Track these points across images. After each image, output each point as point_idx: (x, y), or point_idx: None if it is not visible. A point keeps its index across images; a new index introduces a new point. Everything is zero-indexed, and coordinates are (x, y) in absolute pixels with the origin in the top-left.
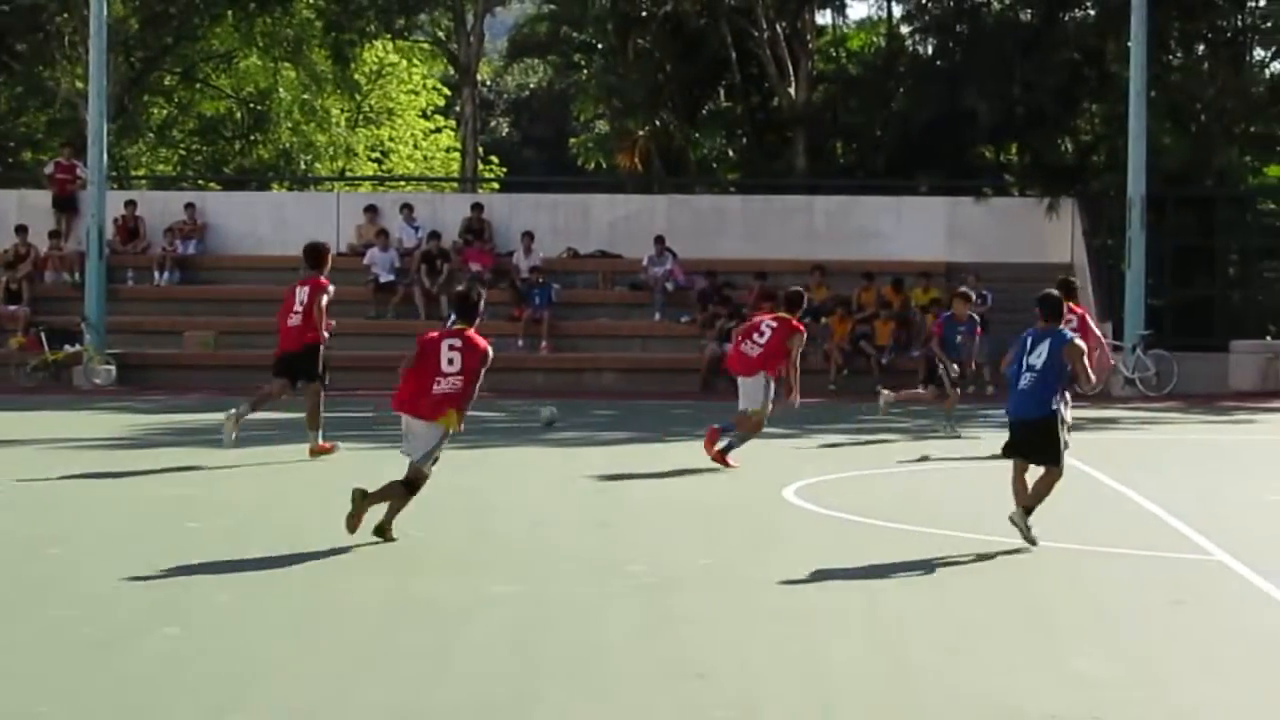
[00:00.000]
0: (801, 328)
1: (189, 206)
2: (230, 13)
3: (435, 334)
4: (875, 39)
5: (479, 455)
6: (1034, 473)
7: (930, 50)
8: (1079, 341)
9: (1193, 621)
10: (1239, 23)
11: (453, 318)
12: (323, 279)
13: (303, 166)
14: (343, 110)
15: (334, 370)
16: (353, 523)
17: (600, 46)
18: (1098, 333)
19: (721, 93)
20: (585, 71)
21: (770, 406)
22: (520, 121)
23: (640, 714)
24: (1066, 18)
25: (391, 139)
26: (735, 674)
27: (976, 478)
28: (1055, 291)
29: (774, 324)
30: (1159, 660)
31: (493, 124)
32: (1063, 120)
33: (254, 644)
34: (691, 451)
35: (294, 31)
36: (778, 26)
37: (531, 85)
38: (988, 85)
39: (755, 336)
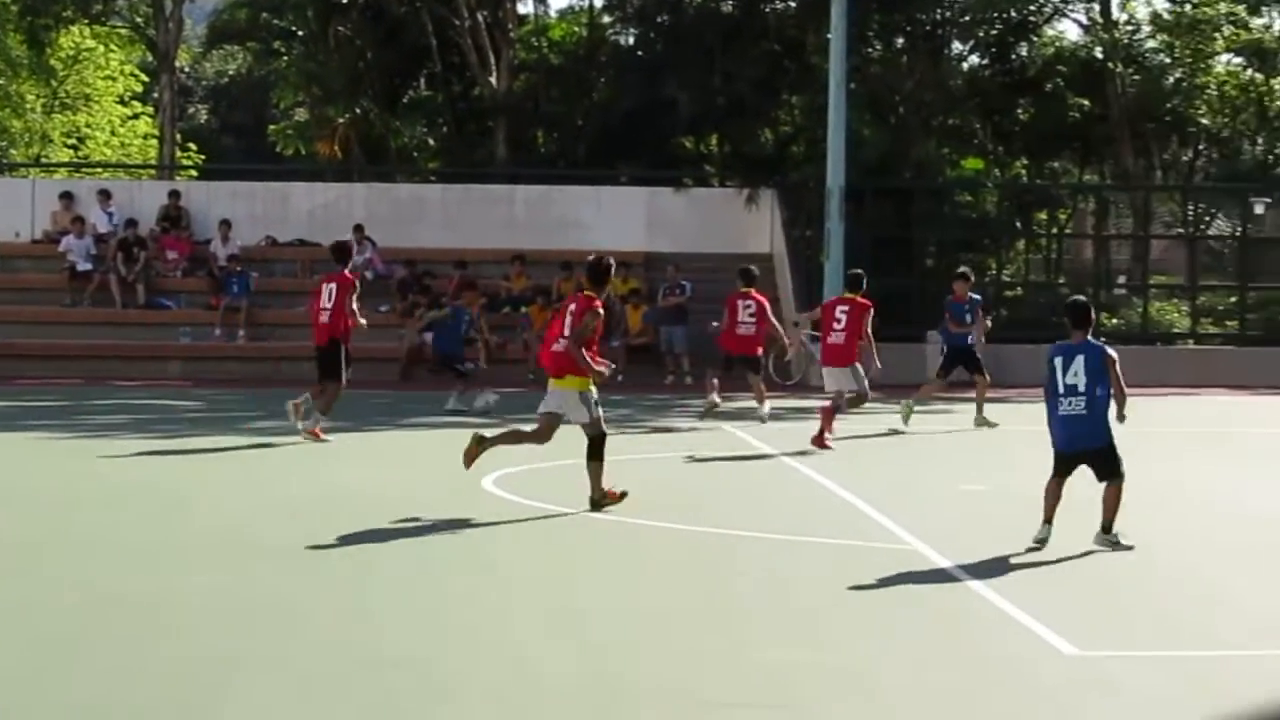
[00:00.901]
0: (871, 305)
1: None
2: None
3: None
4: (577, 29)
5: (174, 445)
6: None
7: (631, 40)
8: (1112, 350)
9: (887, 610)
10: (938, 16)
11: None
12: (349, 274)
13: None
14: (38, 96)
15: (29, 359)
16: (470, 456)
17: (300, 33)
18: (773, 320)
19: (423, 81)
20: (285, 59)
21: (866, 383)
22: (219, 108)
23: (335, 704)
24: (767, 9)
25: (88, 125)
26: (429, 662)
27: (677, 469)
28: (1082, 298)
29: (847, 308)
30: (852, 649)
31: (191, 111)
32: (763, 111)
33: None
34: (391, 440)
35: None
36: (479, 15)
37: (231, 72)
38: (688, 76)
39: (835, 325)
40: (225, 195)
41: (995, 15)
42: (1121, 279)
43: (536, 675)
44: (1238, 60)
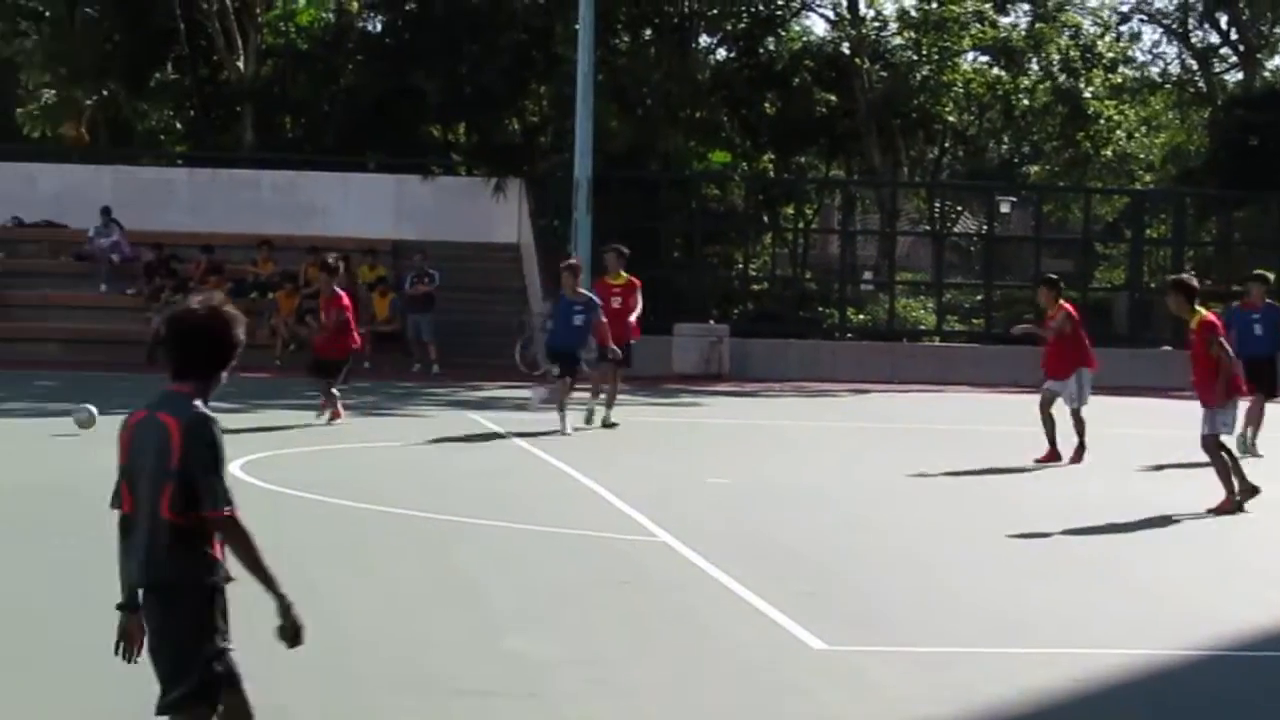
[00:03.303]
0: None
1: None
2: None
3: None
4: (325, 15)
5: None
6: None
7: (379, 27)
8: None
9: (635, 601)
10: (685, 9)
11: None
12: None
13: None
14: None
15: None
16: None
17: (47, 14)
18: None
19: (169, 64)
20: (33, 39)
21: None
22: None
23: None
24: None
25: None
26: None
27: (418, 458)
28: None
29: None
30: (600, 639)
31: None
32: (510, 101)
33: None
34: None
35: None
36: None
37: None
38: (436, 64)
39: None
40: None
41: (742, 9)
42: (867, 274)
43: (280, 661)
44: (984, 58)
